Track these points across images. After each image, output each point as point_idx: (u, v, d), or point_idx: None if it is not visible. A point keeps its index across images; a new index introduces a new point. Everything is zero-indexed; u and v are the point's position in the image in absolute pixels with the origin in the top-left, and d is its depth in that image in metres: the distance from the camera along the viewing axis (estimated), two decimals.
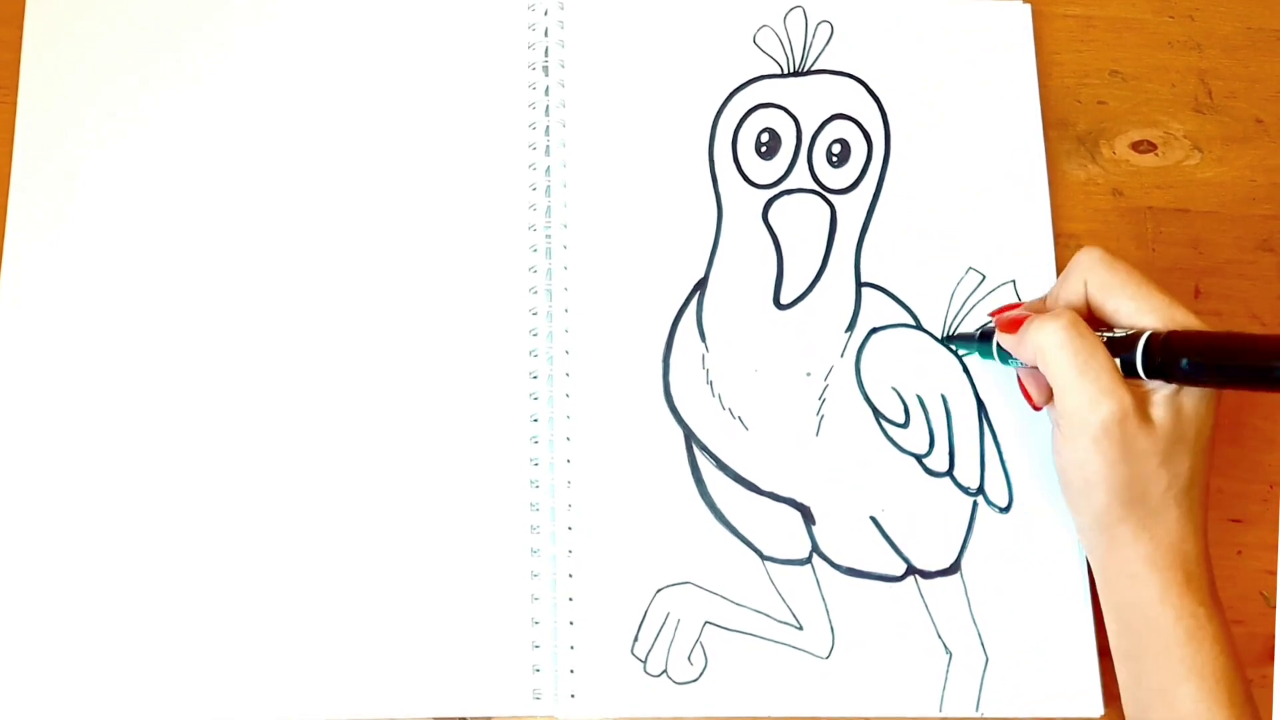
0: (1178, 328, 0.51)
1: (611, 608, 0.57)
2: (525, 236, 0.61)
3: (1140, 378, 0.52)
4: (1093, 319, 0.54)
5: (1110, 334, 0.53)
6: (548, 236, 0.61)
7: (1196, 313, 0.63)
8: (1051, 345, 0.52)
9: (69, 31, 0.62)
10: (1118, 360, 0.52)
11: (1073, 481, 0.54)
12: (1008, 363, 0.58)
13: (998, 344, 0.57)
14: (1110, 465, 0.52)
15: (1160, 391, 0.52)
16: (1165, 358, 0.50)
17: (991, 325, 0.58)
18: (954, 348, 0.61)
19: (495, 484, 0.58)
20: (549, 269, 0.60)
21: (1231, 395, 0.62)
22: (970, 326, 0.61)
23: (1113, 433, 0.51)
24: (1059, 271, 0.62)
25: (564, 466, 0.58)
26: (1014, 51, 0.65)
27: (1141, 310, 0.53)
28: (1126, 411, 0.51)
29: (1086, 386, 0.51)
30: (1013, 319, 0.56)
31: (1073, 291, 0.55)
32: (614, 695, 0.56)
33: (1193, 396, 0.52)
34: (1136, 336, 0.52)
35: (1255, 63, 0.67)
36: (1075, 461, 0.53)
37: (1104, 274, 0.54)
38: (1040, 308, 0.57)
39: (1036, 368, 0.54)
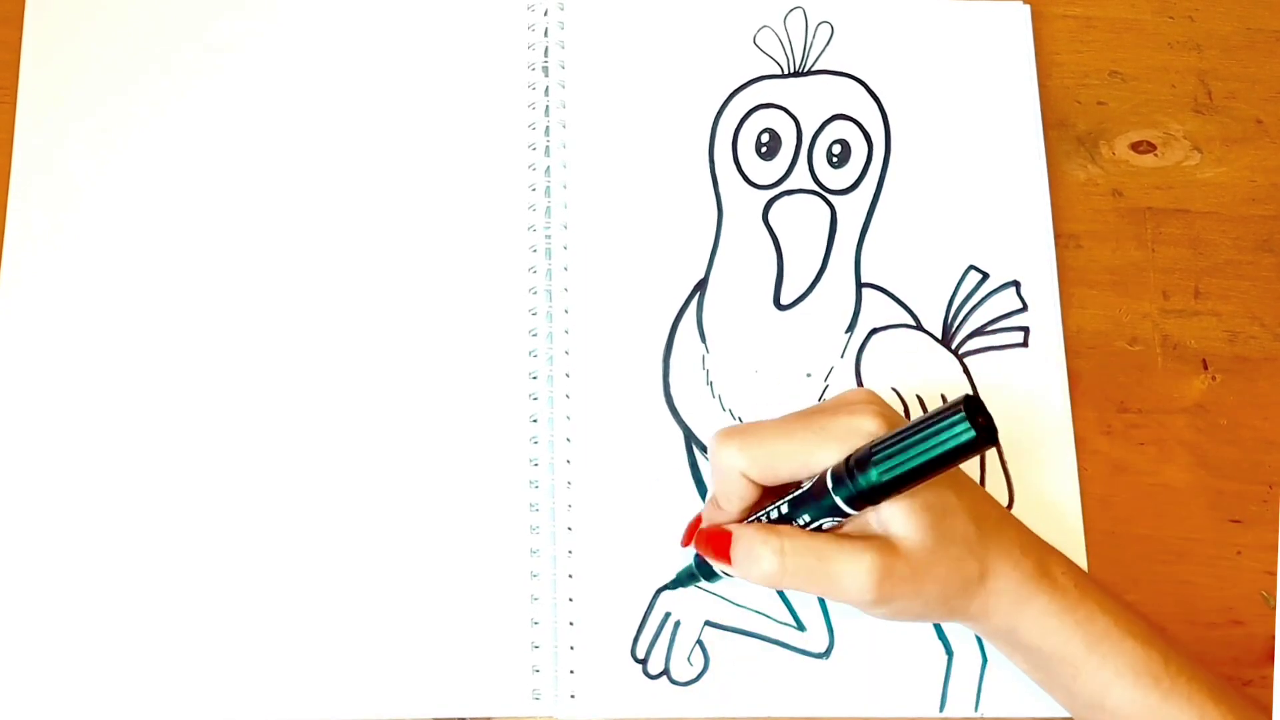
0: (850, 447, 0.48)
1: (611, 608, 0.57)
2: (525, 237, 0.61)
3: (851, 513, 0.49)
4: (772, 492, 0.52)
5: (796, 492, 0.50)
6: (548, 236, 0.61)
7: (1196, 313, 0.63)
8: (775, 574, 0.50)
9: (69, 32, 0.62)
10: (826, 519, 0.49)
11: (906, 621, 0.52)
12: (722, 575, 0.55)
13: (698, 561, 0.55)
14: (909, 600, 0.50)
15: (885, 513, 0.49)
16: (859, 486, 0.47)
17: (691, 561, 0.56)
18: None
19: (495, 484, 0.58)
20: (549, 269, 0.60)
21: (1229, 395, 0.62)
22: (971, 327, 0.61)
23: (889, 592, 0.49)
24: (1060, 272, 0.63)
25: (564, 467, 0.58)
26: (1014, 52, 0.65)
27: (807, 458, 0.49)
28: (879, 574, 0.48)
29: (833, 583, 0.49)
30: (711, 538, 0.52)
31: (735, 488, 0.52)
32: (614, 696, 0.56)
33: (933, 497, 0.50)
34: (823, 481, 0.48)
35: (1255, 63, 0.67)
36: (889, 617, 0.51)
37: (750, 453, 0.50)
38: (719, 516, 0.53)
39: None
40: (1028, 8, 0.66)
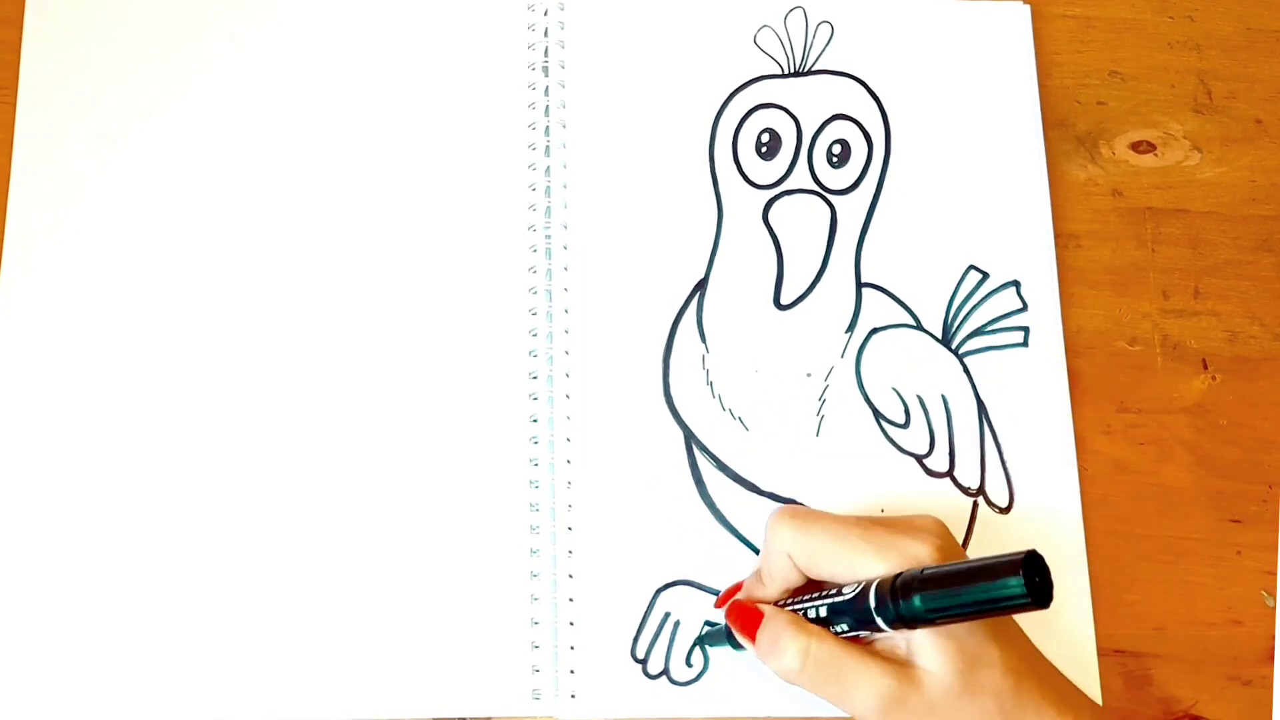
0: (898, 568, 0.48)
1: (611, 608, 0.57)
2: (525, 237, 0.61)
3: (886, 630, 0.48)
4: (813, 584, 0.52)
5: (837, 597, 0.49)
6: (548, 236, 0.61)
7: (1196, 313, 0.63)
8: (794, 673, 0.49)
9: (69, 31, 0.62)
10: (862, 630, 0.48)
11: None
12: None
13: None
14: None
15: (917, 640, 0.48)
16: (900, 609, 0.46)
17: (721, 626, 0.55)
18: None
19: (495, 484, 0.58)
20: (549, 269, 0.60)
21: (1229, 395, 0.62)
22: (971, 327, 0.61)
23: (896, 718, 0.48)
24: (1060, 271, 0.63)
25: (564, 467, 0.58)
26: (1014, 52, 0.65)
27: (852, 564, 0.49)
28: (890, 700, 0.47)
29: (844, 697, 0.48)
30: (742, 612, 0.52)
31: (780, 568, 0.52)
32: (614, 696, 0.56)
33: (955, 634, 0.48)
34: (865, 594, 0.48)
35: (1255, 63, 0.67)
36: None
37: (802, 541, 0.51)
38: (759, 591, 0.54)
39: None
40: (1028, 8, 0.66)
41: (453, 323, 0.60)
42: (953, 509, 0.59)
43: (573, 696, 0.56)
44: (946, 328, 0.61)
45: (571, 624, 0.56)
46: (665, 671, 0.56)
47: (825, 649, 0.49)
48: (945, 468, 0.60)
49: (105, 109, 0.61)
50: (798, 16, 0.64)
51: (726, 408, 0.59)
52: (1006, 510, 0.59)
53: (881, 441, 0.60)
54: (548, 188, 0.61)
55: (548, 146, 0.62)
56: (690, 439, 0.59)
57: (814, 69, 0.64)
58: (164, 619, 0.56)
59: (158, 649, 0.55)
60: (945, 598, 0.45)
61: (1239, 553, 0.61)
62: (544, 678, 0.56)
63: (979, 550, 0.59)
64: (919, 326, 0.61)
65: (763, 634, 0.51)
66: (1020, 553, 0.43)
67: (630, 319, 0.60)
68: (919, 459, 0.60)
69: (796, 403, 0.60)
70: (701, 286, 0.61)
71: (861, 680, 0.48)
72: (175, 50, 0.62)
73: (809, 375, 0.60)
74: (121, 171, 0.61)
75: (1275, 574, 0.60)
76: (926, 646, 0.48)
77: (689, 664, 0.57)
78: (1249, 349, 0.63)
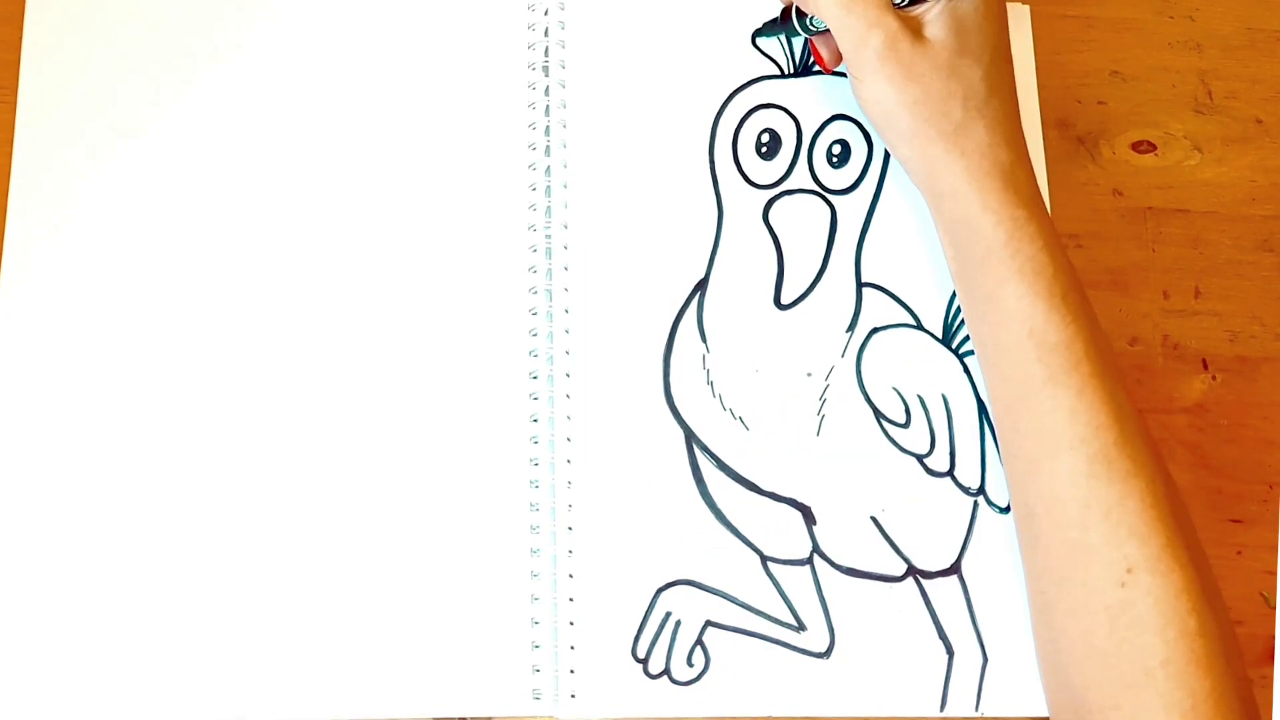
0: None
1: (612, 608, 0.57)
2: (525, 236, 0.61)
3: (909, 7, 0.55)
4: None
5: None
6: (548, 236, 0.61)
7: (1196, 313, 0.63)
8: None
9: (69, 31, 0.62)
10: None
11: (877, 118, 0.56)
12: (806, 31, 0.60)
13: (796, 11, 0.59)
14: (898, 88, 0.54)
15: (933, 11, 0.55)
16: None
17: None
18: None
19: (495, 484, 0.58)
20: (549, 269, 0.60)
21: (1229, 395, 0.62)
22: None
23: (888, 56, 0.54)
24: None
25: (564, 467, 0.58)
26: (1014, 52, 0.65)
27: None
28: (895, 34, 0.54)
29: (854, 22, 0.54)
30: None
31: None
32: (614, 695, 0.56)
33: (968, 7, 0.55)
34: None
35: (1255, 63, 0.67)
36: (870, 98, 0.56)
37: None
38: None
39: (826, 32, 0.58)
40: (1027, 8, 0.66)
41: (453, 322, 0.60)
42: (953, 509, 0.59)
43: (573, 696, 0.56)
44: (946, 327, 0.61)
45: (572, 624, 0.56)
46: (666, 671, 0.56)
47: None
48: (946, 467, 0.60)
49: (105, 109, 0.61)
50: None
51: (727, 407, 0.59)
52: (1007, 510, 0.59)
53: (882, 441, 0.60)
54: (548, 188, 0.61)
55: (548, 146, 0.62)
56: (691, 439, 0.59)
57: (813, 69, 0.64)
58: (165, 619, 0.56)
59: (159, 649, 0.55)
60: None
61: (1239, 553, 0.61)
62: (544, 678, 0.56)
63: (980, 549, 0.59)
64: (919, 326, 0.61)
65: None
66: None
67: (630, 319, 0.60)
68: (919, 458, 0.60)
69: (797, 402, 0.60)
70: (702, 286, 0.61)
71: (876, 14, 0.54)
72: (175, 50, 0.62)
73: (809, 375, 0.60)
74: (121, 171, 0.61)
75: (1275, 574, 0.60)
76: (936, 20, 0.55)
77: (690, 664, 0.57)
78: (1249, 349, 0.63)
